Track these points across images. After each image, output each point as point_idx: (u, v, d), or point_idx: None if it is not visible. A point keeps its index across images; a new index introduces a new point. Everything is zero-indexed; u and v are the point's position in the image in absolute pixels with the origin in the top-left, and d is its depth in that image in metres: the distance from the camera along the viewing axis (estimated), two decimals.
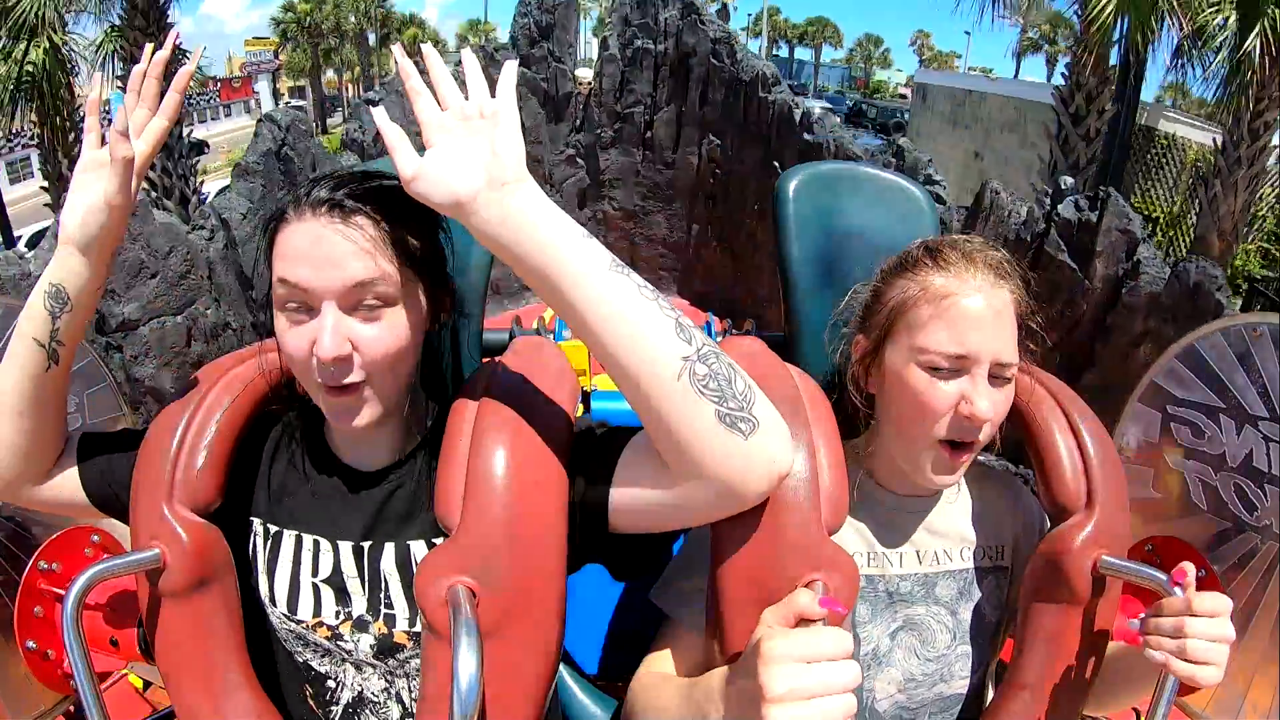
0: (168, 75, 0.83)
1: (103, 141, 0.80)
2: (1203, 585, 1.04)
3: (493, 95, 0.70)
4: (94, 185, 0.78)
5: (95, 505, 0.90)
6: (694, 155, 6.24)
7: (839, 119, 6.03)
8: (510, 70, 0.71)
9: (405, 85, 0.71)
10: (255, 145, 4.66)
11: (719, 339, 1.22)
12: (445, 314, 0.88)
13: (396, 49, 0.74)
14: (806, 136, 5.34)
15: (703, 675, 0.79)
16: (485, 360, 0.96)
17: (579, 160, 6.39)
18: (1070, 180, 4.20)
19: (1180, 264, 3.68)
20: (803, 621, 0.69)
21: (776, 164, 5.52)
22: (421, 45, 0.78)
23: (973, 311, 0.88)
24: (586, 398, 1.49)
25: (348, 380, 0.76)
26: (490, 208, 0.67)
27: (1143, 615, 0.83)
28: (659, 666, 0.93)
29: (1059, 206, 4.03)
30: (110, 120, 0.77)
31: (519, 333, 1.25)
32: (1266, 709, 0.98)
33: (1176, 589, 0.80)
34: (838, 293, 1.13)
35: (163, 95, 0.83)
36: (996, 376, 0.89)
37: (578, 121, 6.32)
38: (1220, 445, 1.08)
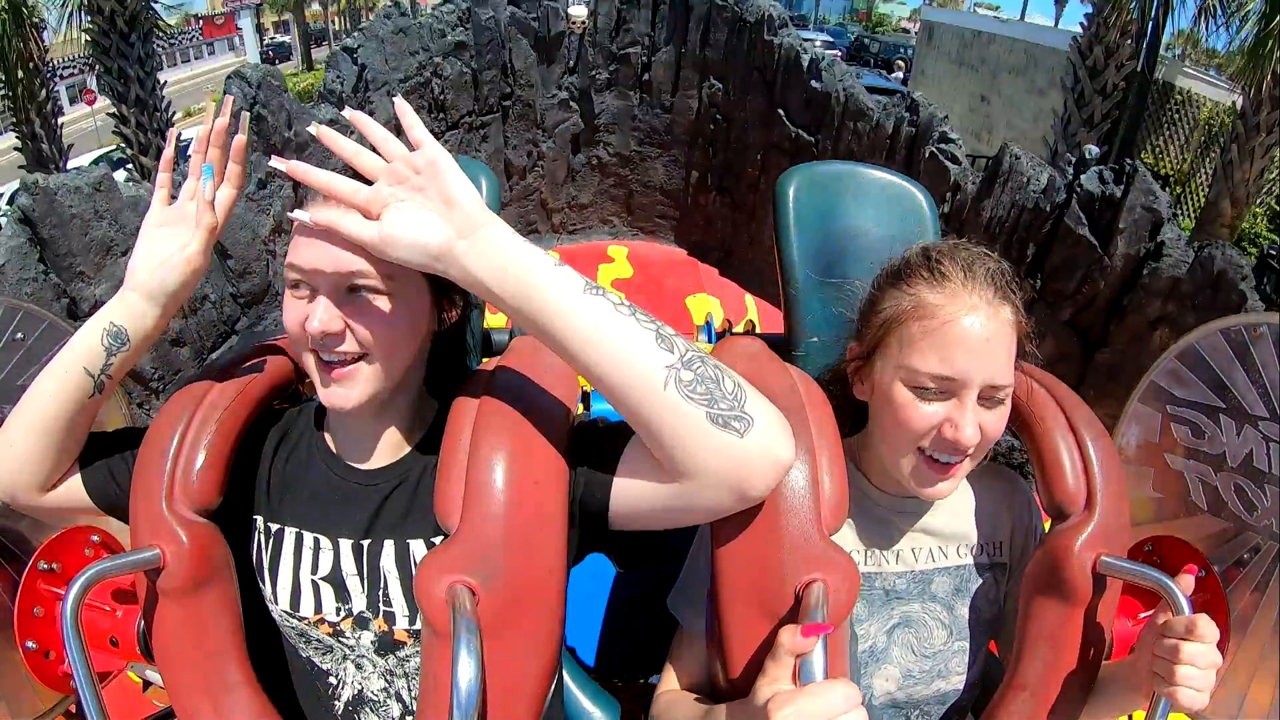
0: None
1: (171, 199, 0.85)
2: (1203, 585, 1.05)
3: (409, 145, 0.70)
4: (166, 241, 0.83)
5: (99, 507, 0.91)
6: (693, 99, 5.86)
7: (839, 54, 5.57)
8: (405, 107, 0.71)
9: (317, 185, 0.71)
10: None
11: (718, 339, 1.20)
12: (451, 315, 0.88)
13: (286, 166, 0.72)
14: (814, 84, 4.95)
15: (713, 713, 0.79)
16: (485, 360, 0.95)
17: (572, 104, 6.08)
18: (1096, 150, 4.01)
19: (1205, 249, 3.46)
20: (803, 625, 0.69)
21: (781, 111, 5.25)
22: (310, 132, 0.75)
23: (966, 334, 0.84)
24: (586, 397, 1.48)
25: (340, 350, 0.78)
26: (468, 257, 0.68)
27: (1144, 630, 0.84)
28: (676, 681, 0.94)
29: (1082, 177, 3.78)
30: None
31: (519, 332, 1.22)
32: (1266, 709, 0.99)
33: (1179, 595, 0.80)
34: (837, 293, 1.11)
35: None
36: (988, 399, 0.86)
37: (571, 63, 5.98)
38: (1220, 445, 1.08)
